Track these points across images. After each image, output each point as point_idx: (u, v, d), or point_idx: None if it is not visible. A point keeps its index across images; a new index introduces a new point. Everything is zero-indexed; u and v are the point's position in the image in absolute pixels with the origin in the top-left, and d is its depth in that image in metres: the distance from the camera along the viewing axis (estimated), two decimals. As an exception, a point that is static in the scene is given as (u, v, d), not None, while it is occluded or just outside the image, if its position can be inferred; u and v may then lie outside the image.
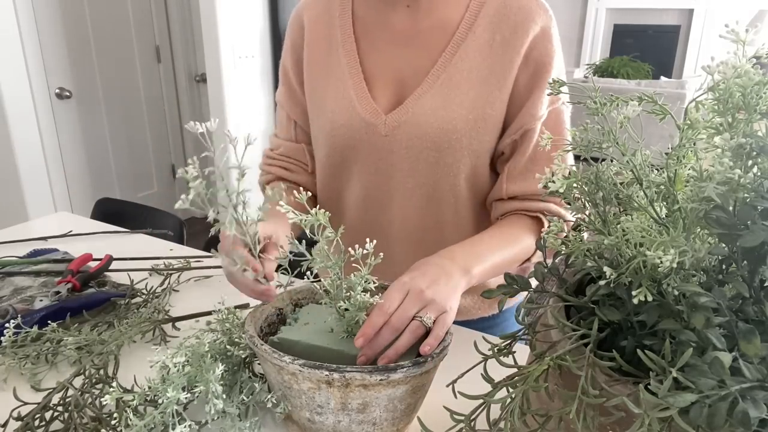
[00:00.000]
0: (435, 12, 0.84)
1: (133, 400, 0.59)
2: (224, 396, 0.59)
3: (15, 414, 0.63)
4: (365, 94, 0.85)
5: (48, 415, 0.63)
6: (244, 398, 0.63)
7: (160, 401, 0.57)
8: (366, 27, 0.88)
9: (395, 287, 0.64)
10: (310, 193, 0.59)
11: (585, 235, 0.48)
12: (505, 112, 0.83)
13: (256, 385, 0.63)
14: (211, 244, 1.42)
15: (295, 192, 0.60)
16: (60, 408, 0.64)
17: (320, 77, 0.90)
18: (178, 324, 0.88)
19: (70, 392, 0.65)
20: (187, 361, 0.61)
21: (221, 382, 0.59)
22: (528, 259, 0.85)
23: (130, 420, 0.55)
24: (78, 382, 0.68)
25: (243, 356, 0.66)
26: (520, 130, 0.82)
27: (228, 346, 0.66)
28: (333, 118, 0.87)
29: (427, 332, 0.61)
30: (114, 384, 0.66)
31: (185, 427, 0.56)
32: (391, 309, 0.61)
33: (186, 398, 0.57)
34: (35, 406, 0.64)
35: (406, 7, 0.84)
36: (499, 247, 0.79)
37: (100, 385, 0.68)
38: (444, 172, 0.84)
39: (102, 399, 0.60)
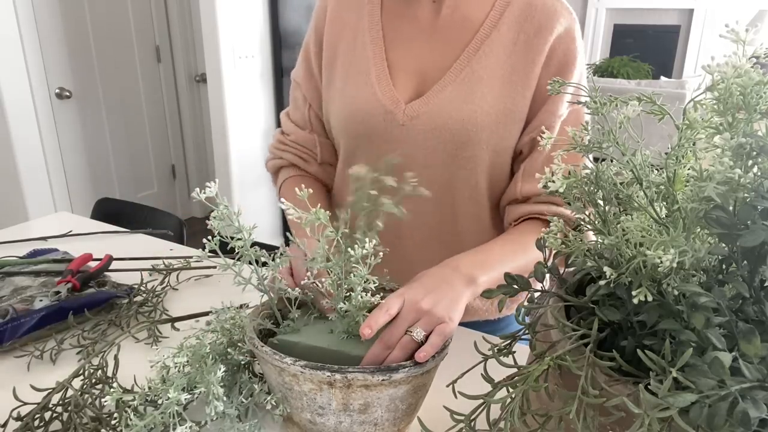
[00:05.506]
0: (460, 8, 0.85)
1: (133, 400, 0.59)
2: (225, 397, 0.59)
3: (15, 414, 0.63)
4: (387, 82, 0.86)
5: (48, 415, 0.63)
6: (243, 399, 0.63)
7: (160, 402, 0.57)
8: (393, 18, 0.89)
9: (393, 296, 0.63)
10: (311, 190, 0.59)
11: (590, 234, 0.48)
12: (528, 111, 0.83)
13: (256, 386, 0.63)
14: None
15: (296, 189, 0.60)
16: (59, 408, 0.64)
17: (343, 61, 0.91)
18: (177, 324, 0.88)
19: (70, 392, 0.65)
20: (188, 361, 0.61)
21: (221, 384, 0.59)
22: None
23: (131, 420, 0.55)
24: (78, 382, 0.68)
25: (242, 360, 0.66)
26: (539, 128, 0.82)
27: (228, 349, 0.65)
28: (353, 102, 0.88)
29: (420, 345, 0.60)
30: (114, 384, 0.66)
31: (186, 428, 0.55)
32: (392, 313, 0.60)
33: (186, 399, 0.57)
34: (35, 406, 0.64)
35: (432, 2, 0.86)
36: (509, 257, 0.77)
37: (99, 386, 0.68)
38: (461, 165, 0.84)
39: (102, 399, 0.60)
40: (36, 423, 0.62)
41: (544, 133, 0.81)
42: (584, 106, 0.83)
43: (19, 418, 0.62)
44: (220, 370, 0.58)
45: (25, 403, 0.63)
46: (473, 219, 0.90)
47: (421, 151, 0.84)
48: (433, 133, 0.83)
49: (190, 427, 0.56)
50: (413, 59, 0.86)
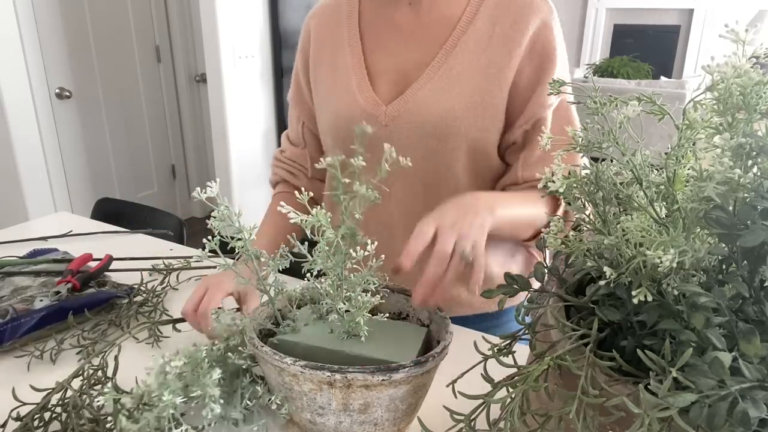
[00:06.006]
0: (436, 8, 0.87)
1: (123, 401, 0.59)
2: (221, 400, 0.59)
3: (14, 414, 0.63)
4: (367, 86, 0.89)
5: (47, 415, 0.63)
6: (248, 403, 0.62)
7: (156, 405, 0.56)
8: (371, 25, 0.92)
9: (424, 222, 0.65)
10: (311, 194, 0.59)
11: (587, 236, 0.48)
12: (509, 103, 0.85)
13: (259, 388, 0.63)
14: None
15: (296, 193, 0.60)
16: (59, 409, 0.64)
17: (327, 74, 0.95)
18: (178, 324, 0.88)
19: (69, 393, 0.65)
20: (185, 364, 0.61)
21: (222, 387, 0.58)
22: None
23: (122, 423, 0.55)
24: (78, 382, 0.68)
25: (243, 364, 0.66)
26: (531, 120, 0.84)
27: (229, 354, 0.65)
28: (336, 110, 0.91)
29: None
30: (109, 385, 0.65)
31: (181, 431, 0.55)
32: (428, 237, 0.63)
33: (183, 401, 0.56)
34: (34, 406, 0.64)
35: (408, 5, 0.88)
36: (521, 202, 0.81)
37: (98, 386, 0.68)
38: (442, 160, 0.86)
39: (97, 401, 0.60)
40: (35, 423, 0.62)
41: (537, 124, 0.84)
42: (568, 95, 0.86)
43: (18, 419, 0.62)
44: (216, 372, 0.58)
45: (24, 404, 0.63)
46: None
47: (405, 149, 0.86)
48: (415, 131, 0.85)
49: (186, 430, 0.56)
50: (393, 62, 0.89)
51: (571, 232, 0.49)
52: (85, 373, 0.68)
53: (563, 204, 0.85)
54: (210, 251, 0.59)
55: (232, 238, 0.61)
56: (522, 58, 0.82)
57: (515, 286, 0.49)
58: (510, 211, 0.76)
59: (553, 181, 0.46)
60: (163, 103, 3.54)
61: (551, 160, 0.83)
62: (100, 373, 0.69)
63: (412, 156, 0.87)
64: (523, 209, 0.81)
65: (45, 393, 0.65)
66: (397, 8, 0.89)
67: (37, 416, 0.62)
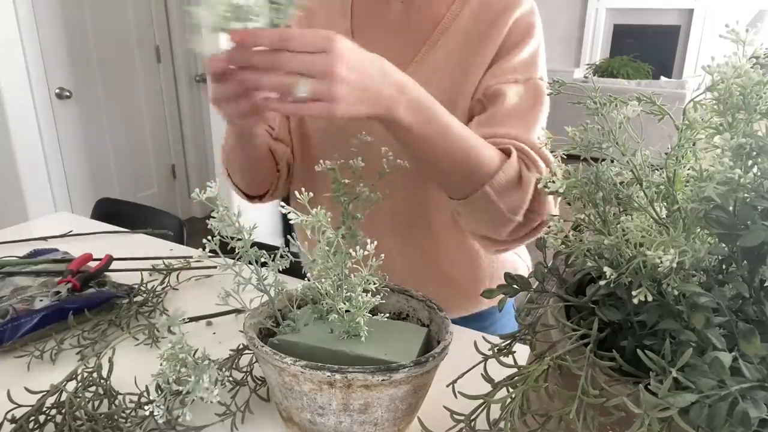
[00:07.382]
0: (427, 7, 0.90)
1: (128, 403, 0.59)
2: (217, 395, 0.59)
3: (9, 416, 0.62)
4: None
5: (42, 418, 0.63)
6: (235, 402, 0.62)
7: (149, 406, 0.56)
8: (363, 22, 0.95)
9: (323, 33, 0.57)
10: (311, 194, 0.59)
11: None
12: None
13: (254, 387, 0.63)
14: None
15: (296, 193, 0.60)
16: (53, 411, 0.63)
17: None
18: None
19: (64, 395, 0.65)
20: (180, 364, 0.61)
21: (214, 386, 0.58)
22: (492, 176, 0.75)
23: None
24: (74, 384, 0.67)
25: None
26: (482, 89, 0.85)
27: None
28: None
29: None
30: (107, 386, 0.65)
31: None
32: (287, 43, 0.55)
33: (178, 402, 0.56)
34: (29, 408, 0.63)
35: (401, 3, 0.91)
36: (460, 125, 0.73)
37: (93, 388, 0.67)
38: None
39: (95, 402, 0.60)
40: (30, 426, 0.61)
41: (488, 92, 0.83)
42: (542, 81, 0.86)
43: (13, 421, 0.62)
44: (212, 369, 0.58)
45: (19, 405, 0.63)
46: (443, 205, 0.91)
47: (387, 143, 0.86)
48: None
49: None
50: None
51: (571, 232, 0.49)
52: (79, 377, 0.68)
53: (515, 153, 0.77)
54: (210, 251, 0.59)
55: (232, 238, 0.61)
56: (498, 49, 0.84)
57: (515, 287, 0.50)
58: (438, 112, 0.69)
59: (554, 182, 0.46)
60: (163, 103, 3.54)
61: (507, 122, 0.82)
62: (95, 375, 0.69)
63: (393, 149, 0.88)
64: (463, 132, 0.72)
65: (40, 395, 0.64)
66: (389, 6, 0.92)
67: (32, 418, 0.62)
